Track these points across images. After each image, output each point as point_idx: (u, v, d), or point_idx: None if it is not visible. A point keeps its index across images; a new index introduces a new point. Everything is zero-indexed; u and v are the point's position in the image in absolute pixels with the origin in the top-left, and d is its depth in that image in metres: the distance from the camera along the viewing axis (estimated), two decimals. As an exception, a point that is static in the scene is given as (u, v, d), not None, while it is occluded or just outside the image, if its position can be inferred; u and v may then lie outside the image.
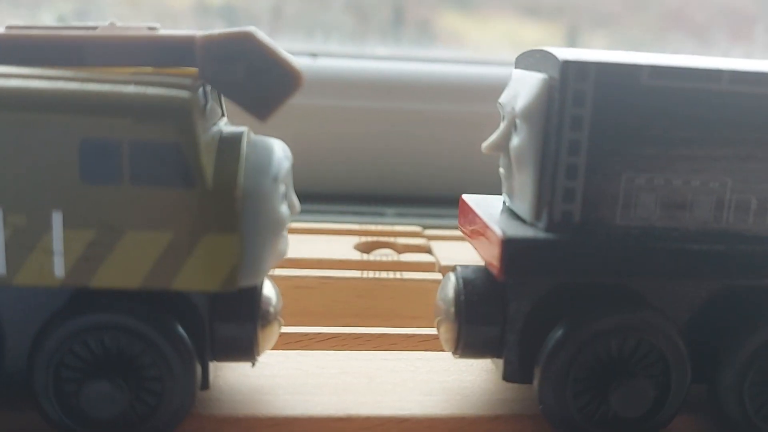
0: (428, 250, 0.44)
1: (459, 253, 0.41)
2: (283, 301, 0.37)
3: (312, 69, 0.58)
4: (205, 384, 0.26)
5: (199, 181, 0.24)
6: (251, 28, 0.24)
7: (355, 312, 0.38)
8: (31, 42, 0.25)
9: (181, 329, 0.25)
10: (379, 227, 0.47)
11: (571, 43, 0.70)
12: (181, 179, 0.24)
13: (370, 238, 0.45)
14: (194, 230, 0.24)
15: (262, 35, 0.24)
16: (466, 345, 0.27)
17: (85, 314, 0.25)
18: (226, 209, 0.24)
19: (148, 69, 0.25)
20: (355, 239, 0.44)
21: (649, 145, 0.25)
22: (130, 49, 0.25)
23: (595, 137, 0.24)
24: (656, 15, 0.76)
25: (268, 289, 0.28)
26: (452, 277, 0.28)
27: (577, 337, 0.25)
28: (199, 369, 0.26)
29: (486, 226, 0.26)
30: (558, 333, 0.25)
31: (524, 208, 0.26)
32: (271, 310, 0.28)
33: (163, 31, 0.26)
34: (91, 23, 0.27)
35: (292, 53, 0.25)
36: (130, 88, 0.24)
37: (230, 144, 0.25)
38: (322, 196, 0.56)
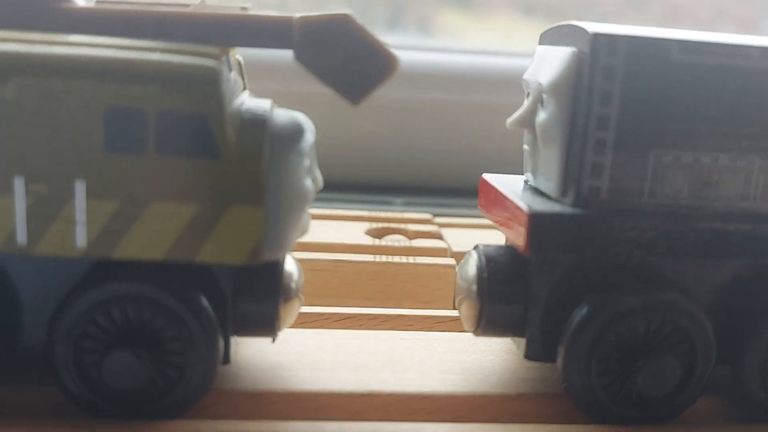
0: (439, 237, 0.43)
1: (470, 240, 0.41)
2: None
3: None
4: (227, 359, 0.26)
5: (224, 152, 0.23)
6: (348, 12, 0.24)
7: (369, 295, 0.38)
8: (123, 17, 0.24)
9: (205, 302, 0.25)
10: (389, 214, 0.46)
11: None
12: (206, 150, 0.23)
13: (380, 224, 0.44)
14: (219, 202, 0.24)
15: (358, 19, 0.24)
16: (488, 323, 0.27)
17: (108, 284, 0.24)
18: (251, 181, 0.24)
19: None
20: (366, 225, 0.44)
21: (678, 122, 0.25)
22: (224, 27, 0.24)
23: (624, 112, 0.24)
24: (657, 11, 0.76)
25: (291, 265, 0.28)
26: (474, 254, 0.27)
27: (602, 315, 0.25)
28: (221, 343, 0.25)
29: (511, 203, 0.26)
30: (582, 311, 0.25)
31: (549, 185, 0.26)
32: (293, 285, 0.27)
33: (258, 12, 0.25)
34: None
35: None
36: (156, 56, 0.23)
37: (255, 116, 0.25)
38: (330, 185, 0.55)
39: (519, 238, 0.25)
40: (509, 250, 0.27)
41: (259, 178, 0.24)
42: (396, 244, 0.41)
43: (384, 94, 0.61)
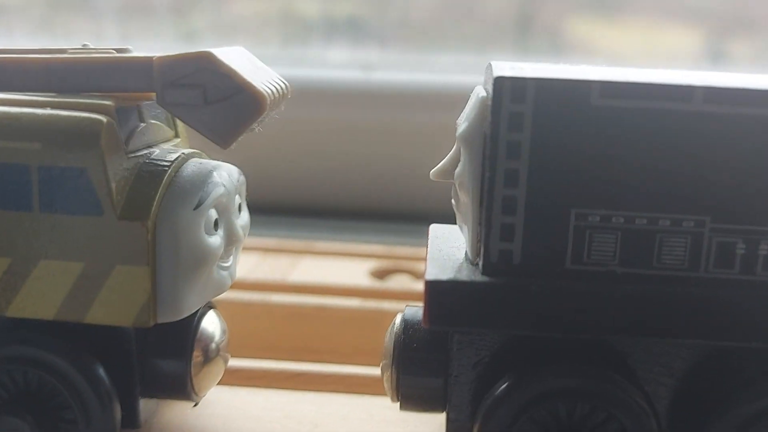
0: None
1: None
2: (275, 329, 0.36)
3: (364, 83, 0.56)
4: (134, 423, 0.25)
5: (108, 209, 0.23)
6: (210, 50, 0.23)
7: (354, 346, 0.35)
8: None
9: (99, 367, 0.24)
10: (404, 249, 0.44)
11: (713, 50, 0.62)
12: (89, 207, 0.23)
13: (390, 262, 0.42)
14: (105, 261, 0.23)
15: (223, 57, 0.22)
16: (405, 397, 0.24)
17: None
18: (137, 240, 0.23)
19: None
20: (375, 263, 0.42)
21: (605, 177, 0.21)
22: (91, 73, 0.24)
23: (536, 167, 0.21)
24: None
25: (211, 323, 0.26)
26: (398, 318, 0.25)
27: (519, 396, 0.22)
28: (117, 410, 0.24)
29: (425, 264, 0.23)
30: (498, 390, 0.22)
31: (467, 245, 0.23)
32: (213, 346, 0.26)
33: (126, 55, 0.24)
34: (66, 46, 0.26)
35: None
36: (43, 112, 0.23)
37: (152, 169, 0.24)
38: (358, 214, 0.53)
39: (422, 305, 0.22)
40: (434, 315, 0.24)
41: (144, 237, 0.23)
42: (397, 286, 0.39)
43: (418, 118, 0.57)
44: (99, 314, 0.23)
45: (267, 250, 0.43)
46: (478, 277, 0.22)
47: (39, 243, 0.23)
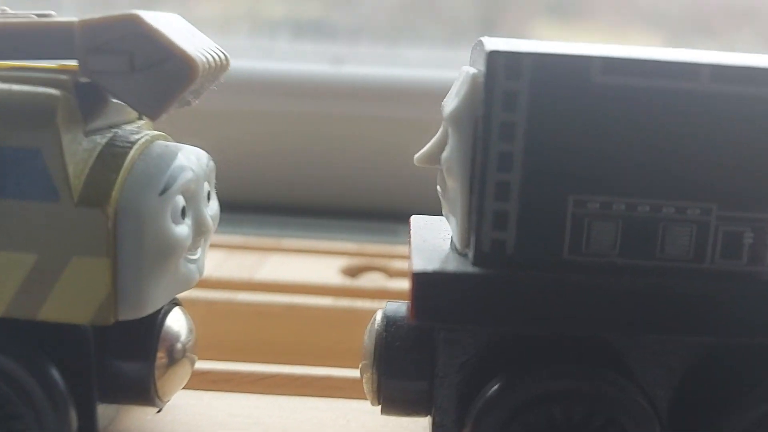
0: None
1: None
2: (241, 329, 0.34)
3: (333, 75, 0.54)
4: (91, 431, 0.23)
5: (64, 194, 0.20)
6: (137, 12, 0.20)
7: (326, 347, 0.33)
8: None
9: (53, 370, 0.22)
10: (377, 246, 0.42)
11: None
12: (44, 192, 0.20)
13: (362, 260, 0.40)
14: (61, 252, 0.21)
15: (151, 20, 0.20)
16: (387, 400, 0.22)
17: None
18: (96, 229, 0.21)
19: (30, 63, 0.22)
20: (346, 260, 0.40)
21: (605, 161, 0.19)
22: (7, 40, 0.22)
23: (532, 149, 0.19)
24: (764, 22, 0.67)
25: (176, 321, 0.24)
26: (379, 315, 0.23)
27: (511, 399, 0.20)
28: (73, 417, 0.22)
29: (410, 255, 0.21)
30: (489, 393, 0.20)
31: (455, 234, 0.21)
32: (178, 346, 0.24)
33: (41, 19, 0.22)
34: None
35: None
36: None
37: (114, 151, 0.22)
38: (328, 211, 0.51)
39: (408, 299, 0.20)
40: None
41: (105, 226, 0.20)
42: (371, 284, 0.37)
43: (395, 113, 0.55)
44: (54, 311, 0.21)
45: (232, 247, 0.41)
46: (469, 269, 0.20)
47: None
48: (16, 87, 0.21)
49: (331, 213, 0.51)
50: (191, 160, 0.23)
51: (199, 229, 0.23)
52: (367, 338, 0.23)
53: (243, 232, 0.45)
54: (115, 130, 0.23)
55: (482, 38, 0.21)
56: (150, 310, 0.22)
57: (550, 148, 0.19)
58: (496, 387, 0.20)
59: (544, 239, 0.20)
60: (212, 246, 0.40)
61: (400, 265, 0.40)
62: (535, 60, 0.19)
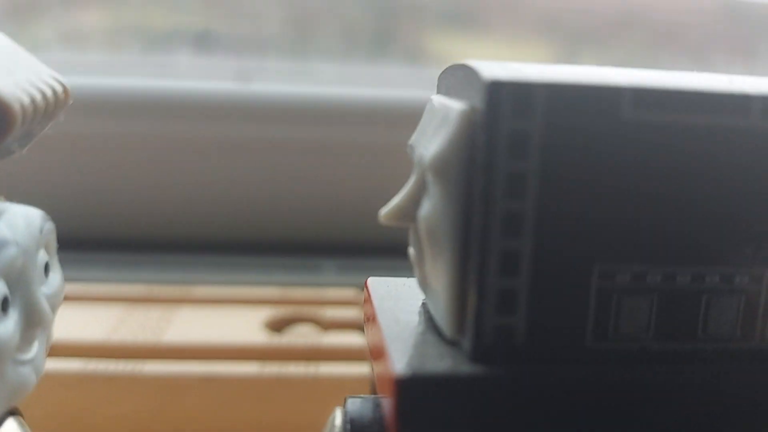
0: (361, 327, 0.34)
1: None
2: (147, 407, 0.28)
3: (240, 94, 0.49)
4: None
5: None
6: None
7: (251, 422, 0.28)
8: None
9: None
10: (306, 292, 0.37)
11: (566, 62, 0.61)
12: None
13: (288, 309, 0.35)
14: None
15: None
16: None
17: None
18: None
19: None
20: (269, 311, 0.35)
21: (638, 220, 0.15)
22: None
23: (547, 207, 0.15)
24: (648, 32, 0.67)
25: None
26: (338, 417, 0.18)
27: None
28: None
29: (381, 343, 0.16)
30: None
31: (441, 316, 0.17)
32: None
33: None
34: None
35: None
36: None
37: None
38: (247, 246, 0.46)
39: (388, 410, 0.15)
40: (389, 410, 0.17)
41: None
42: (299, 341, 0.32)
43: (313, 134, 0.50)
44: None
45: (132, 300, 0.35)
46: (468, 367, 0.15)
47: None
48: None
49: (245, 249, 0.45)
50: (16, 228, 0.17)
51: (32, 320, 0.17)
52: (326, 447, 0.18)
53: (145, 279, 0.38)
54: None
55: (465, 62, 0.16)
56: None
57: (569, 206, 0.15)
58: None
59: (562, 323, 0.15)
60: (108, 300, 0.34)
61: (333, 313, 0.34)
62: (551, 93, 0.14)
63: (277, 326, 0.34)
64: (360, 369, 0.29)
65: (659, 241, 0.15)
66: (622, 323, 0.15)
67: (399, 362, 0.15)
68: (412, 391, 0.15)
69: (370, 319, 0.19)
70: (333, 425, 0.18)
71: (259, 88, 0.50)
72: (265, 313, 0.34)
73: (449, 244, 0.16)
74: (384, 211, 0.18)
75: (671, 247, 0.15)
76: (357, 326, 0.34)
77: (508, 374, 0.15)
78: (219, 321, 0.33)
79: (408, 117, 0.49)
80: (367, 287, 0.20)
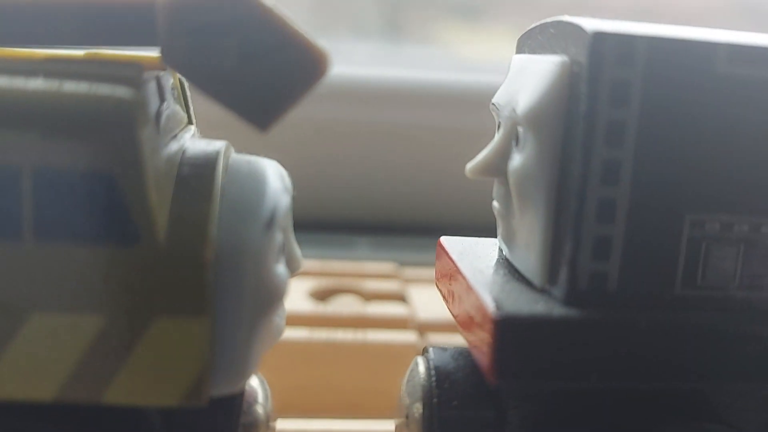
0: (402, 298, 0.34)
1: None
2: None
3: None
4: None
5: (146, 234, 0.15)
6: None
7: (301, 387, 0.29)
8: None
9: None
10: (345, 265, 0.37)
11: None
12: (117, 232, 0.15)
13: (330, 281, 0.35)
14: (139, 312, 0.15)
15: None
16: (440, 472, 0.18)
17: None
18: (190, 279, 0.15)
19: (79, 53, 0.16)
20: (312, 282, 0.35)
21: (728, 170, 0.16)
22: (61, 19, 0.15)
23: (644, 156, 0.15)
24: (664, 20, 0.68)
25: (255, 386, 0.19)
26: (421, 365, 0.18)
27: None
28: None
29: (471, 291, 0.17)
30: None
31: (530, 265, 0.17)
32: (260, 414, 0.18)
33: None
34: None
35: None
36: (36, 84, 0.15)
37: (198, 172, 0.16)
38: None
39: (482, 354, 0.16)
40: (475, 359, 0.18)
41: (202, 274, 0.15)
42: (345, 310, 0.32)
43: (352, 115, 0.50)
44: (125, 390, 0.15)
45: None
46: (565, 311, 0.16)
47: (31, 288, 0.15)
48: (69, 86, 0.14)
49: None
50: (284, 178, 0.17)
51: (293, 267, 0.18)
52: (408, 395, 0.18)
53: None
54: (179, 141, 0.17)
55: (559, 19, 0.17)
56: (248, 379, 0.16)
57: (665, 155, 0.15)
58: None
59: (653, 271, 0.16)
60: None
61: (374, 285, 0.35)
62: (651, 45, 0.15)
63: (322, 296, 0.34)
64: (405, 337, 0.30)
65: (747, 193, 0.16)
66: (710, 272, 0.16)
67: (494, 306, 0.16)
68: (509, 331, 0.15)
69: (451, 273, 0.19)
70: (416, 372, 0.18)
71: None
72: (308, 284, 0.35)
73: (544, 194, 0.16)
74: (470, 165, 0.18)
75: (758, 199, 0.16)
76: (398, 297, 0.34)
77: (601, 317, 0.16)
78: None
79: (430, 99, 0.49)
80: (441, 245, 0.20)
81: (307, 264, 0.37)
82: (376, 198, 0.49)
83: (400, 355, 0.29)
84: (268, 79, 0.15)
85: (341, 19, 0.60)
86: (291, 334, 0.30)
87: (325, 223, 0.46)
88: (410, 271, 0.38)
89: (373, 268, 0.37)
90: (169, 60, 0.15)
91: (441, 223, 0.44)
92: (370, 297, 0.34)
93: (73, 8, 0.15)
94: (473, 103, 0.43)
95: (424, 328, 0.31)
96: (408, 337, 0.30)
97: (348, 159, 0.49)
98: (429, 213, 0.49)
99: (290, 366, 0.29)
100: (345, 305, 0.33)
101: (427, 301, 0.33)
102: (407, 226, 0.47)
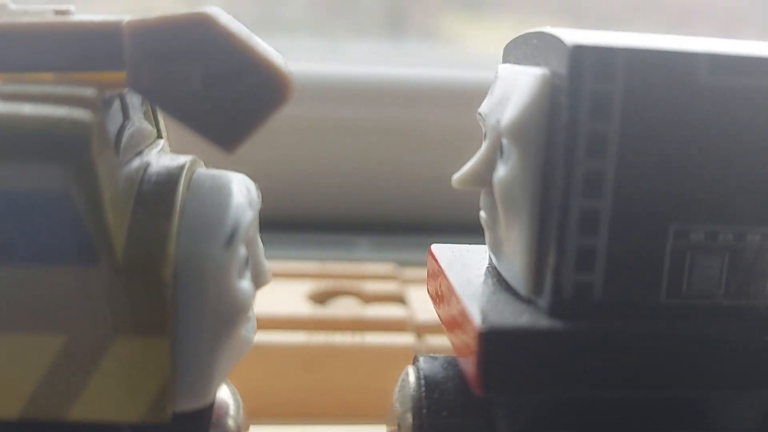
0: (401, 299, 0.35)
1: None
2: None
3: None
4: None
5: (104, 254, 0.15)
6: (211, 10, 0.15)
7: (299, 390, 0.29)
8: None
9: None
10: (344, 266, 0.38)
11: None
12: (75, 253, 0.15)
13: (329, 283, 0.36)
14: (100, 331, 0.15)
15: (229, 21, 0.15)
16: (432, 482, 0.18)
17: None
18: (149, 297, 0.15)
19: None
20: (311, 284, 0.35)
21: (712, 180, 0.16)
22: (26, 43, 0.16)
23: (626, 168, 0.15)
24: (666, 15, 0.67)
25: (225, 398, 0.19)
26: (411, 375, 0.19)
27: (601, 480, 0.16)
28: None
29: (457, 301, 0.17)
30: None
31: (516, 275, 0.17)
32: (230, 426, 0.19)
33: (77, 17, 0.16)
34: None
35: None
36: None
37: (159, 189, 0.16)
38: (281, 224, 0.46)
39: (468, 365, 0.16)
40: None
41: (162, 294, 0.15)
42: (343, 312, 0.32)
43: (349, 113, 0.50)
44: (89, 408, 0.15)
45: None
46: (549, 322, 0.16)
47: None
48: (28, 108, 0.15)
49: (280, 226, 0.46)
50: (248, 193, 0.17)
51: (259, 281, 0.18)
52: (400, 404, 0.18)
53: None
54: (144, 158, 0.17)
55: (540, 30, 0.17)
56: (213, 395, 0.17)
57: (647, 166, 0.15)
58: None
59: (638, 280, 0.16)
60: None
61: (373, 287, 0.35)
62: (631, 57, 0.15)
63: (320, 299, 0.34)
64: (403, 339, 0.30)
65: (731, 202, 0.16)
66: (695, 281, 0.16)
67: (480, 318, 0.16)
68: (494, 343, 0.15)
69: (440, 281, 0.19)
70: (407, 382, 0.18)
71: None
72: (307, 287, 0.35)
73: (527, 205, 0.16)
74: (457, 176, 0.18)
75: (743, 208, 0.16)
76: (397, 299, 0.34)
77: (586, 328, 0.16)
78: (264, 293, 0.34)
79: (430, 96, 0.49)
80: (432, 253, 0.21)
81: (306, 266, 0.37)
82: (378, 196, 0.49)
83: (397, 357, 0.29)
84: (232, 102, 0.15)
85: (342, 15, 0.60)
86: (289, 337, 0.30)
87: (326, 223, 0.46)
88: (410, 272, 0.38)
89: (372, 270, 0.37)
90: (135, 84, 0.15)
91: (441, 223, 0.44)
92: (369, 299, 0.34)
93: (39, 32, 0.15)
94: (478, 100, 0.43)
95: (422, 330, 0.31)
96: (406, 339, 0.30)
97: (348, 159, 0.49)
98: (429, 212, 0.49)
99: (289, 369, 0.29)
100: (343, 308, 0.33)
101: (426, 302, 0.33)
102: (408, 226, 0.47)
